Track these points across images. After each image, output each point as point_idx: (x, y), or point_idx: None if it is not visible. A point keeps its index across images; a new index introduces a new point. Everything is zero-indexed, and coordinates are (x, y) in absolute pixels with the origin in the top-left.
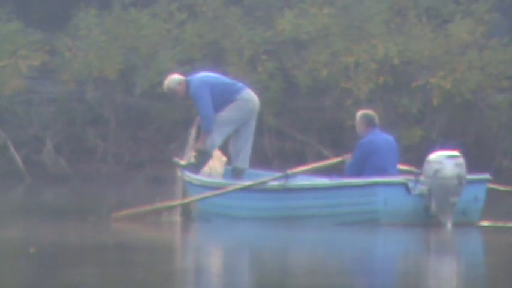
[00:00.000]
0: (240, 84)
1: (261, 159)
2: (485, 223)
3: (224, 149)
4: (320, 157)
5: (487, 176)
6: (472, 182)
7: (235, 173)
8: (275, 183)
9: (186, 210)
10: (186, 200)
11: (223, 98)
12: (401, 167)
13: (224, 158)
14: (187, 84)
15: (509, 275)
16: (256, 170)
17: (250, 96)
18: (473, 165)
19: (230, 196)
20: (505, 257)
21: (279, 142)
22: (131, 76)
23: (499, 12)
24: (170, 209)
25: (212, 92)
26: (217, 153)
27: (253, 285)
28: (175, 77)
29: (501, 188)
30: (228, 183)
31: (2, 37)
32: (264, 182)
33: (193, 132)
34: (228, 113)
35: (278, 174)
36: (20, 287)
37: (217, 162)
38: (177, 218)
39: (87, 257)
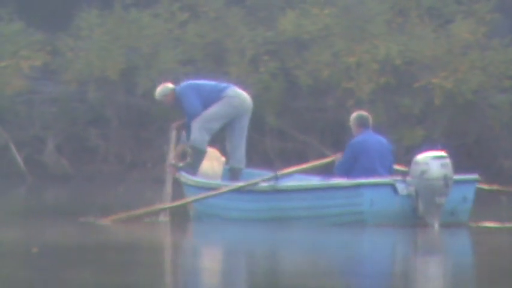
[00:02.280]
0: (224, 84)
1: (262, 159)
2: (472, 224)
3: (222, 149)
4: (322, 157)
5: (475, 176)
6: (460, 182)
7: (232, 172)
8: (265, 184)
9: (184, 211)
10: (179, 202)
11: (210, 98)
12: (397, 167)
13: (223, 158)
14: (174, 92)
15: (495, 275)
16: (255, 169)
17: (236, 93)
18: (474, 165)
19: (223, 197)
20: (491, 257)
21: (281, 142)
22: (133, 76)
23: (501, 12)
24: (163, 211)
25: (200, 94)
26: (215, 153)
27: (242, 286)
28: (165, 87)
29: (486, 187)
30: (222, 184)
31: (4, 37)
32: (255, 183)
33: (173, 137)
34: (214, 109)
35: (269, 174)
36: (19, 287)
37: (215, 163)
38: (166, 218)
39: (88, 258)
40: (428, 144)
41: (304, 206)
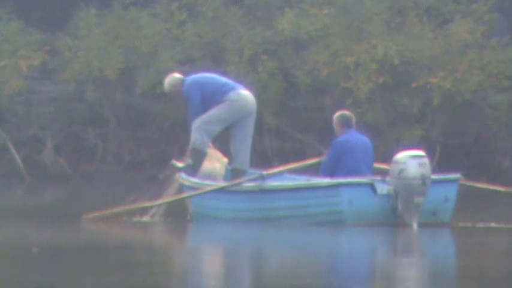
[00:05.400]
0: (232, 85)
1: (261, 158)
2: (460, 224)
3: (226, 150)
4: (320, 157)
5: (457, 175)
6: (442, 181)
7: (234, 174)
8: (252, 184)
9: (183, 211)
10: (159, 201)
11: (213, 98)
12: (377, 165)
13: (225, 160)
14: (183, 84)
15: (469, 275)
16: (254, 170)
17: (238, 96)
18: (473, 164)
19: (214, 197)
20: (467, 257)
21: (279, 142)
22: (131, 76)
23: (499, 12)
24: (143, 210)
25: (203, 92)
26: (217, 154)
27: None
28: (173, 78)
29: (493, 187)
30: (214, 185)
31: (2, 37)
32: (239, 183)
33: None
34: (214, 112)
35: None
36: (19, 287)
37: (217, 164)
38: (155, 218)
39: (87, 258)
40: (427, 143)
41: (286, 205)
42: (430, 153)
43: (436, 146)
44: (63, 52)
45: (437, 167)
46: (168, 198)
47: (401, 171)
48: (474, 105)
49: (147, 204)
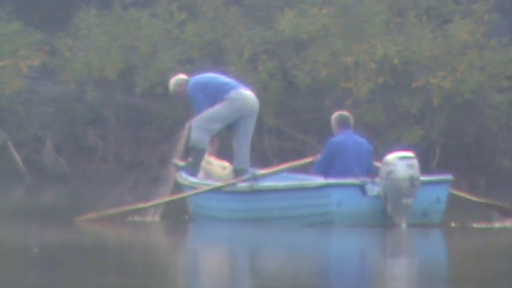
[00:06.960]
0: (233, 84)
1: (261, 159)
2: (453, 224)
3: (226, 150)
4: None
5: (449, 176)
6: (433, 183)
7: (235, 173)
8: (245, 185)
9: (184, 211)
10: (153, 202)
11: (215, 97)
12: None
13: (226, 164)
14: (187, 85)
15: (453, 275)
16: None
17: (239, 95)
18: (473, 165)
19: (210, 197)
20: (456, 258)
21: (279, 142)
22: (131, 76)
23: (499, 12)
24: (137, 211)
25: (205, 92)
26: (217, 164)
27: None
28: (178, 78)
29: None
30: (209, 184)
31: (2, 37)
32: (233, 183)
33: (182, 138)
34: (214, 110)
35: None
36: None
37: (222, 171)
38: (153, 218)
39: (87, 258)
40: (427, 144)
41: (277, 206)
42: (430, 154)
43: (435, 146)
44: (63, 52)
45: (437, 168)
46: (163, 198)
47: (390, 172)
48: (474, 105)
49: (142, 205)
